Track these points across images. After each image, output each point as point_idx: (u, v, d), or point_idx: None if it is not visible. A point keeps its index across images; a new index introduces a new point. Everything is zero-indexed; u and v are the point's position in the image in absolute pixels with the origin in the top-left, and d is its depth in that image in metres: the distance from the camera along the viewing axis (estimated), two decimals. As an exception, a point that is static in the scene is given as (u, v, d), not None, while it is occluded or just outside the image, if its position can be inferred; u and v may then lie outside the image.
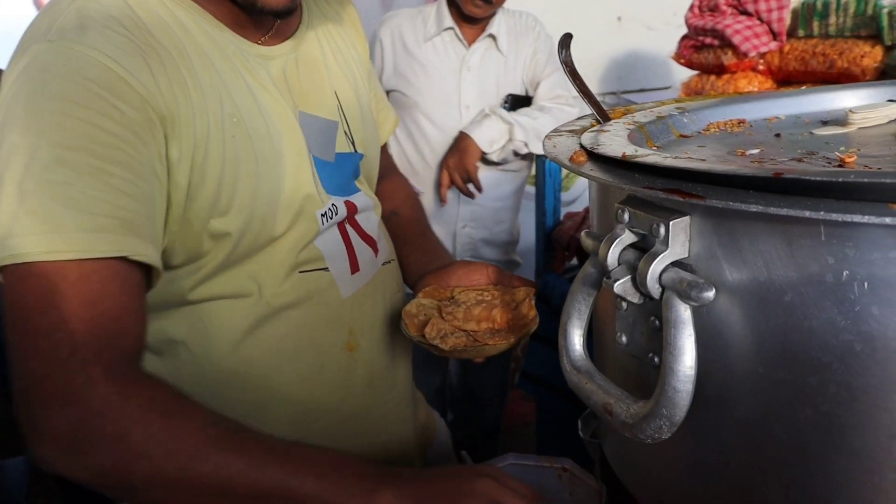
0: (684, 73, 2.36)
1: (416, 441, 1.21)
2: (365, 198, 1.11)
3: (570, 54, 0.87)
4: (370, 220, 1.12)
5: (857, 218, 0.43)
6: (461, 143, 2.15)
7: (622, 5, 3.09)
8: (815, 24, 1.93)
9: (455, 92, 2.20)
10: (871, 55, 1.76)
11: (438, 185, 2.20)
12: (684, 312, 0.55)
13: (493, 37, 2.22)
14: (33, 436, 0.75)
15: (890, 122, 0.89)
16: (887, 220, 0.42)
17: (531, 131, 2.16)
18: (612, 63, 3.09)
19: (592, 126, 0.84)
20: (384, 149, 1.31)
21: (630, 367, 0.65)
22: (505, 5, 2.20)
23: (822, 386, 0.51)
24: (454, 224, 2.25)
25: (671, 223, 0.55)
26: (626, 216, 0.59)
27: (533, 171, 2.31)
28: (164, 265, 0.89)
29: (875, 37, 1.78)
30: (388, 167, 1.34)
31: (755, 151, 0.76)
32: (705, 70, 2.13)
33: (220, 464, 0.76)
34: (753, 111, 0.96)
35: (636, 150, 0.60)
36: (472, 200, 2.22)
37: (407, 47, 2.20)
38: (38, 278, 0.75)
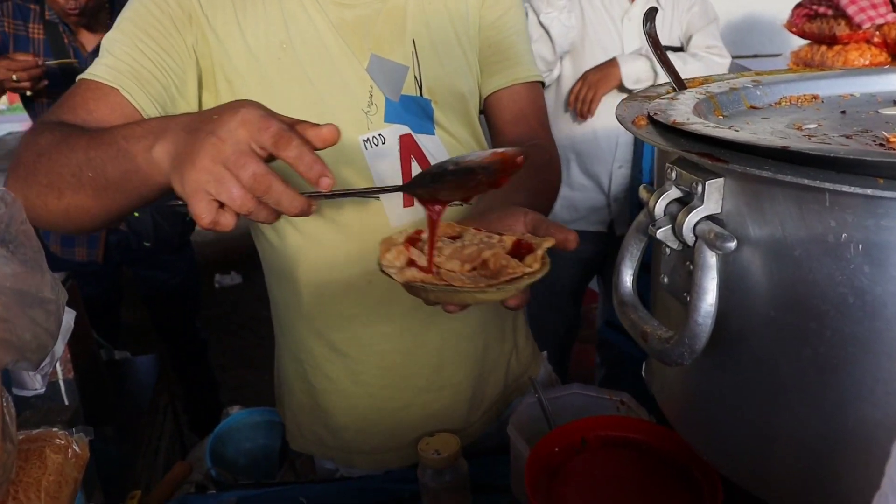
0: (800, 42, 2.36)
1: (485, 383, 1.32)
2: (439, 145, 1.19)
3: (654, 26, 0.95)
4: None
5: (846, 188, 0.52)
6: (608, 66, 2.30)
7: (743, -32, 3.05)
8: (936, -1, 1.91)
9: (617, 41, 2.31)
10: None
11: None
12: (710, 259, 0.65)
13: None
14: None
15: (959, 105, 0.94)
16: (869, 191, 0.51)
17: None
18: (727, 26, 3.06)
19: (668, 93, 0.93)
20: (524, 115, 1.28)
21: (670, 303, 0.76)
22: None
23: (820, 330, 0.61)
24: (610, 165, 2.40)
25: (707, 183, 0.64)
26: (674, 174, 0.69)
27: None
28: None
29: None
30: (528, 138, 1.27)
31: (812, 126, 0.83)
32: (817, 40, 2.13)
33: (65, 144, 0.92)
34: (829, 87, 1.02)
35: (687, 119, 0.69)
36: (622, 141, 2.36)
37: None
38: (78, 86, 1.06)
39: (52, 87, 2.47)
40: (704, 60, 2.31)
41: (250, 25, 1.10)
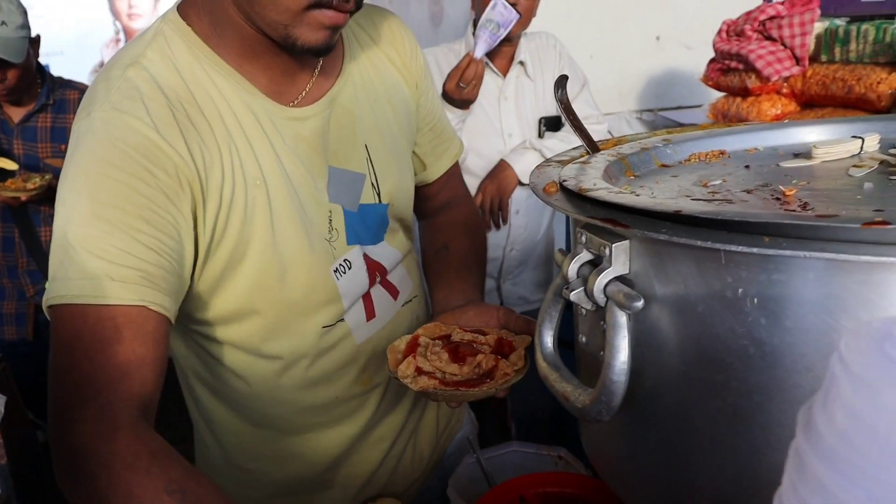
0: (718, 94, 2.45)
1: (431, 442, 1.35)
2: (389, 250, 1.20)
3: (566, 93, 0.99)
4: (394, 270, 1.21)
5: (735, 248, 0.56)
6: (501, 171, 2.30)
7: (660, 24, 3.18)
8: (837, 50, 2.02)
9: (496, 121, 2.33)
10: (888, 82, 1.85)
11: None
12: (621, 318, 0.67)
13: (522, 63, 2.35)
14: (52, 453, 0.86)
15: (851, 156, 0.99)
16: (755, 249, 0.55)
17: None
18: (650, 81, 3.19)
19: (582, 156, 0.97)
20: (451, 177, 1.38)
21: (589, 362, 0.78)
22: (537, 25, 2.33)
23: (726, 382, 0.64)
24: (502, 249, 2.39)
25: (613, 246, 0.68)
26: (584, 238, 0.72)
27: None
28: (186, 302, 1.01)
29: (893, 63, 1.87)
30: (453, 197, 1.41)
31: (717, 182, 0.88)
32: (731, 92, 2.23)
33: None
34: (735, 143, 1.07)
35: (594, 185, 0.73)
36: (515, 224, 2.37)
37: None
38: (69, 319, 0.87)
39: None
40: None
41: (229, 170, 0.99)
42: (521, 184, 2.30)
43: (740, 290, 0.60)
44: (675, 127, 3.01)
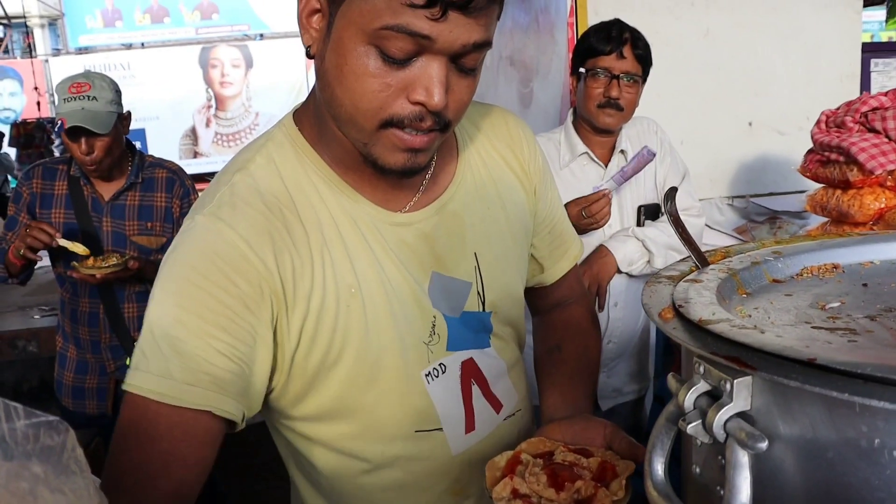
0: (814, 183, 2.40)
1: None
2: (494, 359, 1.17)
3: (674, 205, 0.99)
4: (498, 381, 1.18)
5: (875, 403, 0.53)
6: (600, 257, 2.26)
7: (752, 111, 3.16)
8: (945, 145, 1.96)
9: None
10: None
11: None
12: (742, 457, 0.65)
13: (623, 152, 2.33)
14: None
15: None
16: (897, 407, 0.52)
17: (662, 246, 2.26)
18: (742, 167, 3.15)
19: (692, 271, 0.95)
20: (569, 278, 1.34)
21: (702, 494, 0.75)
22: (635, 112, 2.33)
23: (859, 534, 0.60)
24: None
25: (735, 381, 0.66)
26: (702, 369, 0.71)
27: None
28: (278, 401, 1.05)
29: None
30: (568, 297, 1.37)
31: (836, 305, 0.85)
32: (831, 184, 2.17)
33: None
34: (848, 255, 1.04)
35: (713, 315, 0.71)
36: (612, 316, 2.34)
37: None
38: (134, 407, 0.91)
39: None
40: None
41: (320, 279, 0.99)
42: (619, 271, 2.27)
43: (877, 441, 0.58)
44: (769, 215, 2.94)
